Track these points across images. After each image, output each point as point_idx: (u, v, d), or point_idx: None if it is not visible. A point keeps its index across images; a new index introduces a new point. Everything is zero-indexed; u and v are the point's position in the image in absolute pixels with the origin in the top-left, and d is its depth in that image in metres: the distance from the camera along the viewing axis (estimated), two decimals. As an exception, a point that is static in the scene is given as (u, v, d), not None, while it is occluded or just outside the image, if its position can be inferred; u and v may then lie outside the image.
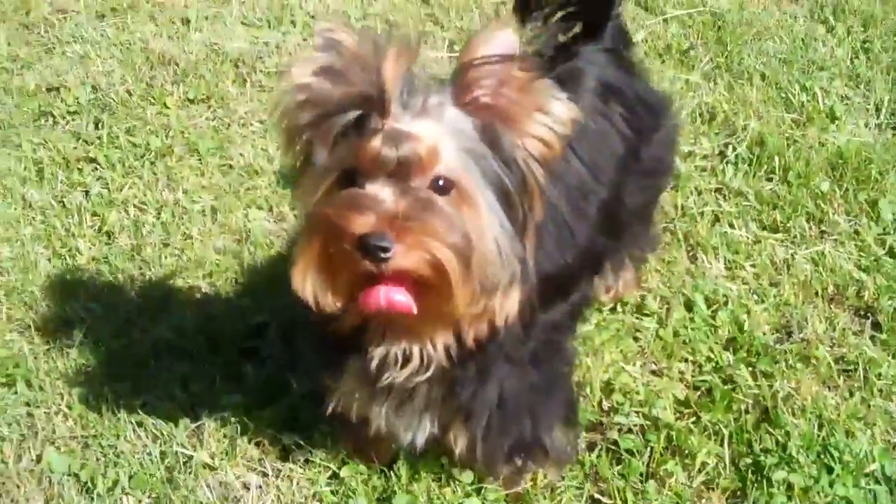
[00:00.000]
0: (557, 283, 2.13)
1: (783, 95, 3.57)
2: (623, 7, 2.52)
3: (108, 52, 4.08)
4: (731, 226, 3.04)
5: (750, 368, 2.59)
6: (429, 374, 1.84)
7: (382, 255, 1.52)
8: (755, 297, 2.81)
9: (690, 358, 2.66)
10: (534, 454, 2.26)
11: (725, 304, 2.77)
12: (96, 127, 3.65)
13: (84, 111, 3.74)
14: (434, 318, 1.73)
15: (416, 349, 1.81)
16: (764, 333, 2.70)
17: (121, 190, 3.32)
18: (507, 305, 1.72)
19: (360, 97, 1.56)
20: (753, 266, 2.90)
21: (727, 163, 3.27)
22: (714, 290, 2.81)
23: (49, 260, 3.07)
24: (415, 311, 1.63)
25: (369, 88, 1.56)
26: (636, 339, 2.73)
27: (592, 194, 2.24)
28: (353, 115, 1.57)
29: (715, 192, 3.18)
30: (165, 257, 3.04)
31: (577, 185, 2.20)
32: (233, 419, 2.51)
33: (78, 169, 3.45)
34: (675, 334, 2.71)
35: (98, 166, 3.45)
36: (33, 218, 3.24)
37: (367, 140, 1.56)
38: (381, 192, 1.57)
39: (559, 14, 2.47)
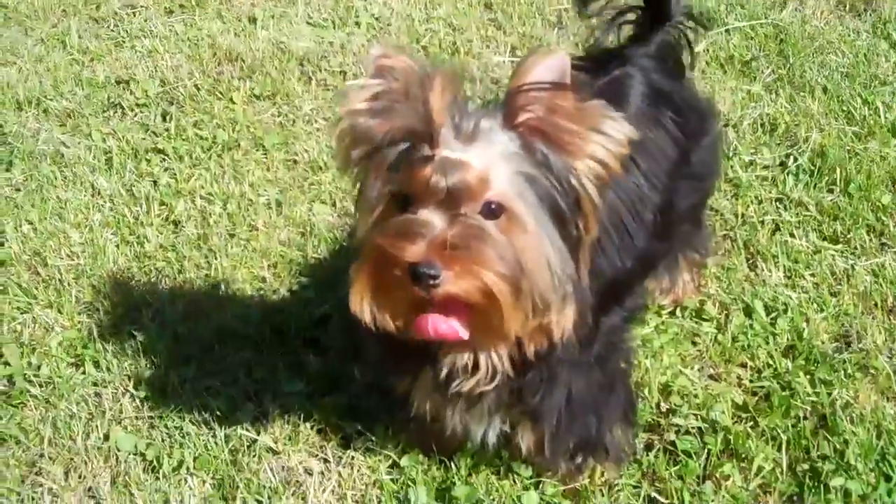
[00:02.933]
0: (617, 289, 2.17)
1: (845, 108, 3.57)
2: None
3: (177, 47, 4.17)
4: (792, 235, 3.04)
5: (808, 376, 2.60)
6: (495, 382, 1.89)
7: (432, 282, 1.57)
8: (814, 305, 2.81)
9: (749, 363, 2.67)
10: (595, 451, 2.30)
11: (785, 311, 2.78)
12: (164, 119, 3.74)
13: (152, 104, 3.82)
14: (488, 337, 1.78)
15: (482, 359, 1.85)
16: (822, 342, 2.71)
17: (188, 181, 3.39)
18: (563, 321, 1.75)
19: (408, 130, 1.61)
20: (813, 275, 2.91)
21: (788, 173, 3.28)
22: (774, 298, 2.82)
23: (117, 246, 3.15)
24: (465, 337, 1.68)
25: (417, 121, 1.60)
26: (694, 343, 2.75)
27: (649, 201, 2.26)
28: (403, 147, 1.62)
29: (776, 201, 3.19)
30: (231, 247, 3.10)
31: (636, 192, 2.23)
32: (296, 406, 2.56)
33: (146, 159, 3.53)
34: (734, 339, 2.72)
35: (166, 157, 3.53)
36: (102, 205, 3.32)
37: (419, 169, 1.60)
38: (432, 219, 1.61)
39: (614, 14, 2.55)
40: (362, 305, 1.69)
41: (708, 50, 3.96)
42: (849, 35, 4.05)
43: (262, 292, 2.95)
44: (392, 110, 1.63)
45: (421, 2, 4.43)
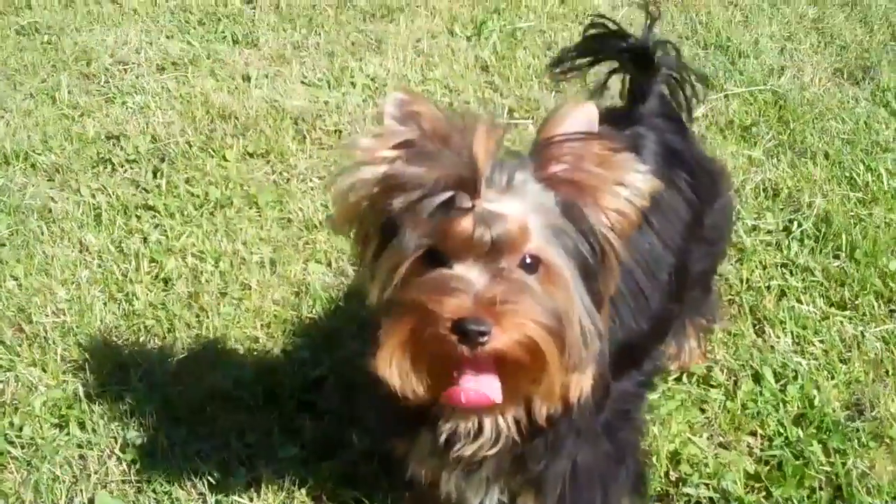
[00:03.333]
0: (631, 352, 2.09)
1: (847, 174, 3.54)
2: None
3: (169, 104, 4.12)
4: (799, 301, 2.98)
5: (821, 445, 2.52)
6: (498, 447, 1.80)
7: (481, 339, 1.49)
8: (825, 373, 2.74)
9: (759, 431, 2.59)
10: (603, 526, 2.20)
11: (795, 378, 2.71)
12: (155, 176, 3.66)
13: (143, 160, 3.75)
14: (517, 398, 1.69)
15: (487, 423, 1.76)
16: (834, 410, 2.63)
17: (179, 238, 3.31)
18: (583, 382, 1.68)
19: (453, 179, 1.53)
20: (822, 342, 2.84)
21: (792, 239, 3.23)
22: (783, 365, 2.75)
23: (105, 304, 3.05)
24: (499, 402, 1.60)
25: (461, 169, 1.52)
26: (702, 410, 2.67)
27: (664, 261, 2.20)
28: (444, 196, 1.53)
29: (781, 266, 3.13)
30: (223, 306, 3.00)
31: (650, 253, 2.17)
32: (290, 471, 2.45)
33: (136, 216, 3.45)
34: (744, 407, 2.65)
35: (156, 214, 3.45)
36: (90, 262, 3.23)
37: (458, 221, 1.52)
38: (472, 273, 1.54)
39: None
40: (391, 369, 1.58)
41: (707, 115, 3.94)
42: (848, 102, 4.05)
43: (255, 353, 2.85)
44: (435, 157, 1.54)
45: (417, 63, 4.40)
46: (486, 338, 1.49)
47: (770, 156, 3.68)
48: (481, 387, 1.58)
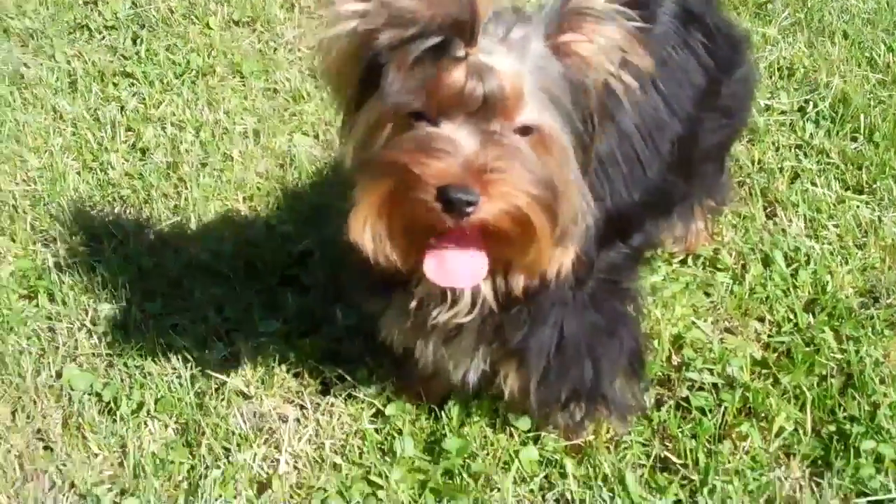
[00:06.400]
0: (621, 222, 1.94)
1: (867, 55, 3.33)
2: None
3: (151, -31, 3.88)
4: (813, 183, 2.81)
5: (833, 332, 2.38)
6: (474, 315, 1.67)
7: (467, 208, 1.34)
8: (839, 258, 2.58)
9: (767, 317, 2.45)
10: (593, 403, 2.07)
11: (807, 262, 2.56)
12: (134, 43, 3.47)
13: (122, 26, 3.55)
14: (499, 268, 1.57)
15: (466, 292, 1.63)
16: (847, 296, 2.48)
17: (158, 106, 3.13)
18: (564, 257, 1.56)
19: (449, 20, 1.33)
20: (836, 226, 2.67)
21: (807, 119, 3.04)
22: (795, 249, 2.59)
23: (79, 173, 2.89)
24: (482, 279, 1.51)
25: (459, 9, 1.33)
26: (708, 293, 2.52)
27: (668, 129, 2.03)
28: (436, 39, 1.34)
29: (795, 148, 2.95)
30: (203, 177, 2.83)
31: (652, 118, 1.99)
32: (270, 347, 2.31)
33: (113, 83, 3.27)
34: (752, 291, 2.50)
35: (135, 81, 3.26)
36: (63, 129, 3.05)
37: (449, 71, 1.35)
38: (462, 135, 1.37)
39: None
40: (364, 233, 1.44)
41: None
42: (871, -20, 3.81)
43: (236, 226, 2.69)
44: None
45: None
46: (472, 208, 1.34)
47: (786, 34, 3.47)
48: (462, 264, 1.46)
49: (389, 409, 2.19)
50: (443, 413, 2.16)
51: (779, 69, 3.28)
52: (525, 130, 1.42)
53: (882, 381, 2.26)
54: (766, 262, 2.58)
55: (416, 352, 1.89)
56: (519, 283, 1.60)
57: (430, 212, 1.36)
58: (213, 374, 2.24)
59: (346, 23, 1.44)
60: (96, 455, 2.12)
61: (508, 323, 1.77)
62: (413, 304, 1.69)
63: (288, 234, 2.63)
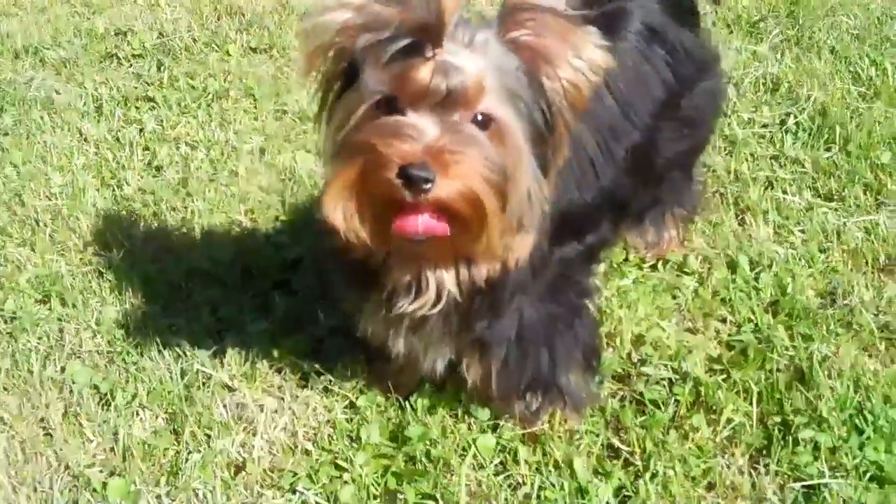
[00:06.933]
0: (574, 221, 2.09)
1: (851, 69, 3.45)
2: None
3: (177, 1, 4.14)
4: (785, 192, 2.93)
5: (788, 330, 2.50)
6: (439, 307, 1.83)
7: (424, 185, 1.51)
8: (802, 262, 2.70)
9: (729, 318, 2.57)
10: (550, 393, 2.22)
11: (770, 266, 2.68)
12: (158, 70, 3.71)
13: (148, 54, 3.80)
14: (459, 252, 1.73)
15: (431, 282, 1.80)
16: (808, 298, 2.60)
17: (174, 127, 3.36)
18: (523, 245, 1.73)
19: (418, 24, 1.52)
20: (803, 231, 2.80)
21: (787, 132, 3.17)
22: (759, 253, 2.72)
23: (97, 189, 3.11)
24: (448, 233, 1.62)
25: (428, 16, 1.52)
26: (674, 296, 2.65)
27: (624, 135, 2.19)
28: (406, 41, 1.53)
29: (771, 158, 3.08)
30: (209, 191, 3.05)
31: (608, 125, 2.16)
32: (257, 345, 2.50)
33: (136, 107, 3.51)
34: (715, 293, 2.63)
35: (155, 105, 3.50)
36: (86, 150, 3.29)
37: (417, 69, 1.53)
38: (425, 122, 1.55)
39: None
40: (335, 210, 1.61)
41: (716, 11, 3.85)
42: (864, -1, 3.92)
43: (236, 236, 2.90)
44: (406, 1, 1.54)
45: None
46: (429, 185, 1.51)
47: (775, 51, 3.59)
48: (432, 219, 1.60)
49: (360, 401, 2.35)
50: (408, 404, 2.32)
51: (764, 84, 3.41)
52: (484, 122, 1.58)
53: (829, 376, 2.37)
54: (732, 265, 2.71)
55: (389, 343, 2.04)
56: (482, 272, 1.77)
57: (393, 188, 1.53)
58: (202, 368, 2.44)
59: (329, 20, 1.61)
60: (91, 441, 2.32)
61: (472, 313, 1.91)
62: (384, 294, 1.85)
63: (283, 244, 2.83)
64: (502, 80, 1.59)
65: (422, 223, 1.59)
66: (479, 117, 1.58)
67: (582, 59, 1.63)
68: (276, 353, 2.47)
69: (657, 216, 2.67)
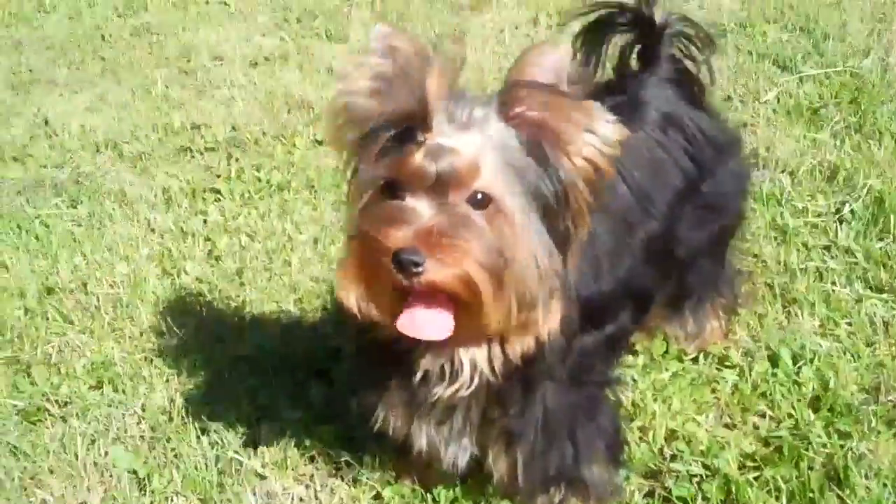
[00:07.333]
0: (592, 311, 2.08)
1: (912, 157, 3.38)
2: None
3: (253, 96, 4.32)
4: (834, 283, 2.87)
5: (826, 426, 2.43)
6: (472, 388, 1.84)
7: (414, 269, 1.55)
8: (847, 356, 2.63)
9: (768, 413, 2.52)
10: (573, 486, 2.19)
11: (812, 360, 2.62)
12: (228, 162, 3.85)
13: (220, 147, 3.95)
14: (470, 332, 1.74)
15: (465, 364, 1.81)
16: (851, 393, 2.53)
17: (236, 218, 3.48)
18: (550, 319, 1.73)
19: (403, 114, 1.59)
20: (850, 324, 2.73)
21: (841, 221, 3.12)
22: (802, 346, 2.66)
23: (158, 278, 3.23)
24: (446, 336, 1.65)
25: (413, 105, 1.57)
26: (714, 390, 2.61)
27: (639, 225, 2.20)
28: (395, 130, 1.60)
29: (823, 249, 3.03)
30: (263, 281, 3.14)
31: (622, 215, 2.17)
32: (291, 433, 2.55)
33: (203, 198, 3.64)
34: (755, 387, 2.58)
35: (220, 196, 3.63)
36: (152, 240, 3.43)
37: (409, 154, 1.58)
38: (419, 206, 1.60)
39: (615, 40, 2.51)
40: (349, 293, 1.68)
41: (779, 99, 3.83)
42: (930, 83, 3.85)
43: (283, 324, 2.97)
44: (389, 92, 1.61)
45: (495, 53, 4.45)
46: (420, 268, 1.55)
47: (835, 138, 3.55)
48: (428, 319, 1.64)
49: (386, 492, 2.37)
50: (429, 496, 2.33)
51: (821, 172, 3.37)
52: (482, 200, 1.61)
53: (865, 475, 2.29)
54: (773, 359, 2.65)
55: (410, 436, 2.06)
56: (516, 349, 1.77)
57: (391, 274, 1.57)
58: (235, 455, 2.49)
59: (338, 111, 1.70)
60: (125, 524, 2.40)
61: (503, 394, 1.92)
62: (417, 377, 1.86)
63: (327, 333, 2.88)
64: (502, 156, 1.62)
65: (418, 326, 1.63)
66: (478, 196, 1.60)
67: (595, 133, 1.64)
68: (308, 442, 2.51)
69: (696, 306, 2.65)
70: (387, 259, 1.56)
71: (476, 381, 1.82)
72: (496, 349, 1.79)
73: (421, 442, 2.06)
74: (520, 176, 1.63)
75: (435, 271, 1.56)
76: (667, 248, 2.30)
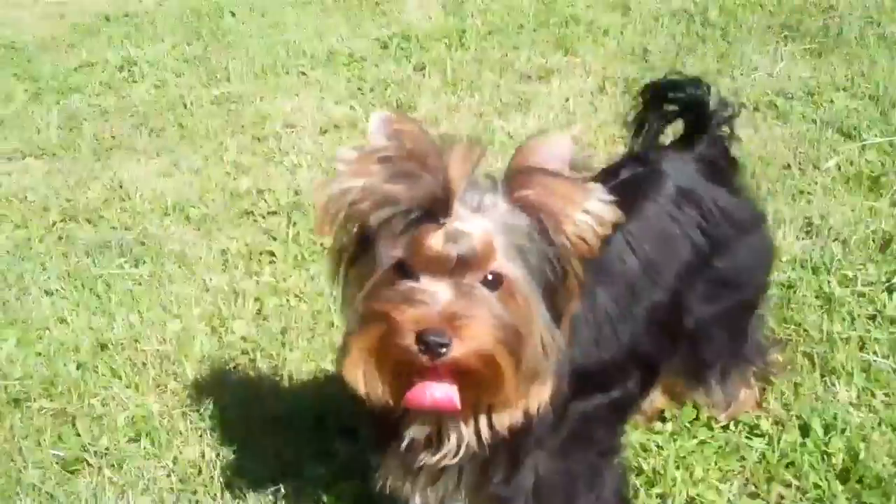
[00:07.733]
0: (594, 377, 2.09)
1: (972, 224, 3.28)
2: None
3: (318, 163, 4.42)
4: (876, 353, 2.79)
5: (853, 500, 2.35)
6: (458, 458, 1.86)
7: (440, 349, 1.58)
8: (881, 427, 2.55)
9: (794, 483, 2.45)
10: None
11: (843, 431, 2.54)
12: (287, 226, 3.94)
13: (282, 211, 4.05)
14: (476, 406, 1.76)
15: (452, 433, 1.83)
16: (883, 465, 2.44)
17: (286, 280, 3.56)
18: (542, 393, 1.75)
19: (428, 199, 1.62)
20: (887, 395, 2.65)
21: (890, 290, 3.03)
22: (835, 416, 2.58)
23: (206, 336, 3.32)
24: (458, 407, 1.68)
25: (436, 190, 1.61)
26: (742, 458, 2.55)
27: (644, 294, 2.20)
28: (417, 214, 1.62)
29: (868, 318, 2.95)
30: (304, 341, 3.20)
31: (627, 283, 2.18)
32: (312, 491, 2.58)
33: (258, 260, 3.74)
34: (783, 456, 2.51)
35: (274, 259, 3.72)
36: (205, 300, 3.52)
37: (429, 236, 1.61)
38: (438, 287, 1.62)
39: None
40: (357, 375, 1.70)
41: (839, 167, 3.77)
42: None
43: (318, 383, 3.01)
44: (413, 177, 1.64)
45: (559, 120, 4.49)
46: (445, 349, 1.58)
47: (894, 206, 3.46)
48: (442, 391, 1.66)
49: (399, 550, 2.38)
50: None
51: (874, 241, 3.29)
52: (495, 281, 1.64)
53: (887, 552, 2.21)
54: (804, 429, 2.58)
55: (405, 496, 2.08)
56: (504, 421, 1.78)
57: (411, 354, 1.60)
58: (254, 512, 2.54)
59: (343, 196, 1.70)
60: (143, 579, 2.45)
61: (491, 464, 1.93)
62: (404, 445, 1.89)
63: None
64: (511, 238, 1.65)
65: (429, 397, 1.66)
66: (490, 277, 1.64)
67: (588, 213, 1.67)
68: (326, 499, 2.54)
69: (723, 376, 2.60)
70: (407, 340, 1.59)
71: (462, 450, 1.84)
72: (483, 420, 1.79)
73: (415, 503, 2.07)
74: (525, 256, 1.66)
75: (458, 350, 1.59)
76: (673, 318, 2.30)
